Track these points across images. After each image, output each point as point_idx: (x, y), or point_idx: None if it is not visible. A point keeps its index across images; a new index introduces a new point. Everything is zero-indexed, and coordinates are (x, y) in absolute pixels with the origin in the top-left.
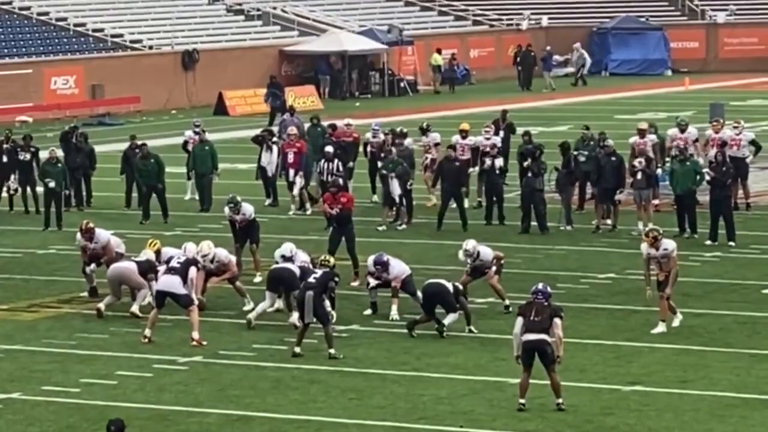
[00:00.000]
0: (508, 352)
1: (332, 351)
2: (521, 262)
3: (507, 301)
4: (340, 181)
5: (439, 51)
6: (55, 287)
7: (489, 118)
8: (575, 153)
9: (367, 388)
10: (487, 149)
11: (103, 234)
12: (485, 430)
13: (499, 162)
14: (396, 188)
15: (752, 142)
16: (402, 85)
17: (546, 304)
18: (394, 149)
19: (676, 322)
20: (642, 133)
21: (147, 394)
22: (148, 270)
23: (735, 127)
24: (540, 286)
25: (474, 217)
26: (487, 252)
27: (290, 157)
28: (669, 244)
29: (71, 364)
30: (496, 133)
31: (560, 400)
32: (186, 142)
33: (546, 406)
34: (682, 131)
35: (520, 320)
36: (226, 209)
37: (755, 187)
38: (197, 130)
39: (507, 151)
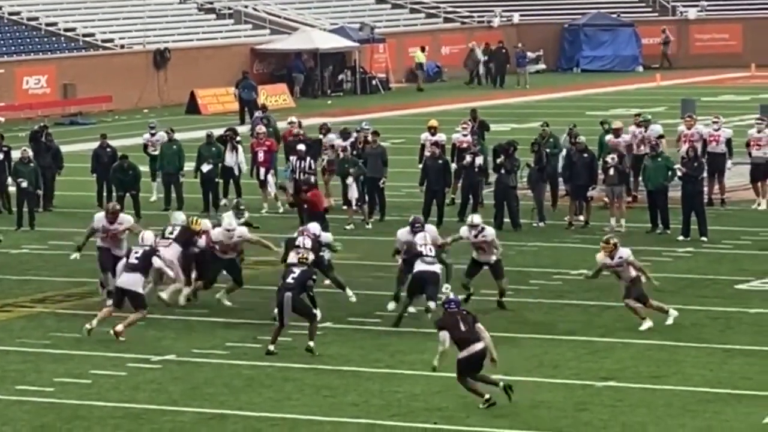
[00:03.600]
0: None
1: (311, 344)
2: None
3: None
4: (312, 179)
5: (422, 48)
6: (28, 287)
7: (460, 115)
8: (536, 149)
9: (341, 385)
10: (464, 145)
11: (126, 216)
12: (459, 427)
13: (479, 160)
14: (354, 191)
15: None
16: (374, 82)
17: (464, 312)
18: (349, 148)
19: (670, 320)
20: (617, 133)
21: (121, 393)
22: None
23: (714, 122)
24: (451, 296)
25: (448, 213)
26: (491, 232)
27: (260, 156)
28: (623, 253)
29: (45, 364)
30: (472, 133)
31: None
32: (146, 146)
33: (519, 404)
34: (645, 128)
35: (446, 334)
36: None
37: (728, 183)
38: (153, 132)
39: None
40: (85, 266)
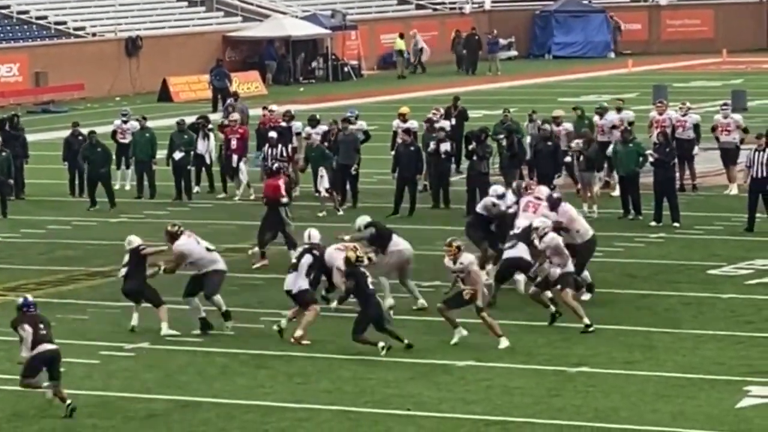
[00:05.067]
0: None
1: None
2: (469, 245)
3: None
4: (280, 166)
5: (401, 35)
6: (1, 275)
7: (433, 102)
8: (500, 137)
9: (313, 372)
10: (434, 133)
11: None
12: (432, 413)
13: (445, 146)
14: (325, 182)
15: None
16: (346, 69)
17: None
18: (315, 136)
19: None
20: (557, 122)
21: (94, 381)
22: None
23: (680, 109)
24: (29, 298)
25: (421, 200)
26: (511, 197)
27: (233, 143)
28: (466, 259)
29: (18, 352)
30: (447, 119)
31: None
32: (114, 132)
33: (493, 389)
34: (601, 116)
35: (28, 331)
36: None
37: (699, 169)
38: (125, 119)
39: (459, 138)
40: (57, 254)
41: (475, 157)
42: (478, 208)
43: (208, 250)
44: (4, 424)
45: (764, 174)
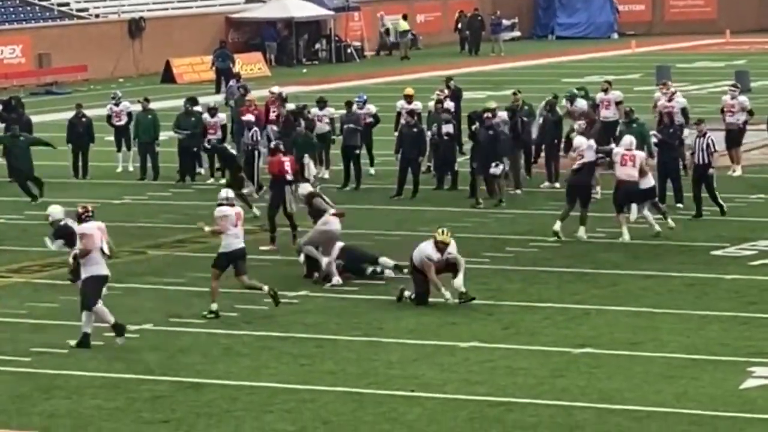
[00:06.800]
0: (460, 316)
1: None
2: (471, 227)
3: None
4: (281, 145)
5: (405, 17)
6: (4, 257)
7: (436, 84)
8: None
9: (318, 353)
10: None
11: None
12: (436, 395)
13: (447, 128)
14: (312, 169)
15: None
16: (349, 51)
17: None
18: (303, 122)
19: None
20: (493, 113)
21: (98, 362)
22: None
23: (664, 93)
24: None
25: (424, 182)
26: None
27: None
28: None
29: (22, 333)
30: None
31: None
32: (109, 116)
33: (497, 370)
34: (571, 103)
35: None
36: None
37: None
38: (115, 101)
39: (457, 118)
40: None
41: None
42: None
43: (103, 253)
44: (9, 406)
45: (705, 160)
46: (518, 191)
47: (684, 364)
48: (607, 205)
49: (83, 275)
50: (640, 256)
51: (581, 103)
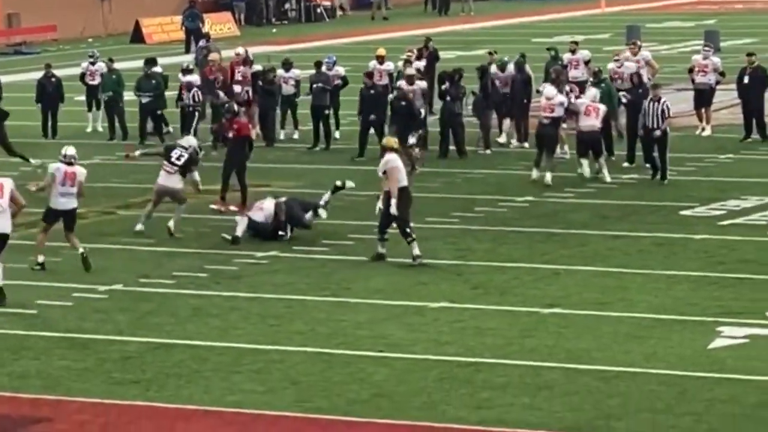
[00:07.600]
0: (429, 276)
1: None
2: (440, 186)
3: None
4: (235, 107)
5: None
6: None
7: (407, 43)
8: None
9: (287, 314)
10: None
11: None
12: (405, 355)
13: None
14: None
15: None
16: (318, 11)
17: None
18: (284, 83)
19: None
20: (410, 80)
21: (67, 323)
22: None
23: (617, 61)
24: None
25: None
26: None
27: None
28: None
29: None
30: (419, 60)
31: None
32: (83, 74)
33: (466, 330)
34: (502, 70)
35: None
36: None
37: (672, 110)
38: (92, 61)
39: (432, 80)
40: (30, 197)
41: (448, 98)
42: None
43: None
44: None
45: (656, 124)
46: (488, 151)
47: (652, 324)
48: (574, 165)
49: None
50: (608, 217)
51: (585, 54)
